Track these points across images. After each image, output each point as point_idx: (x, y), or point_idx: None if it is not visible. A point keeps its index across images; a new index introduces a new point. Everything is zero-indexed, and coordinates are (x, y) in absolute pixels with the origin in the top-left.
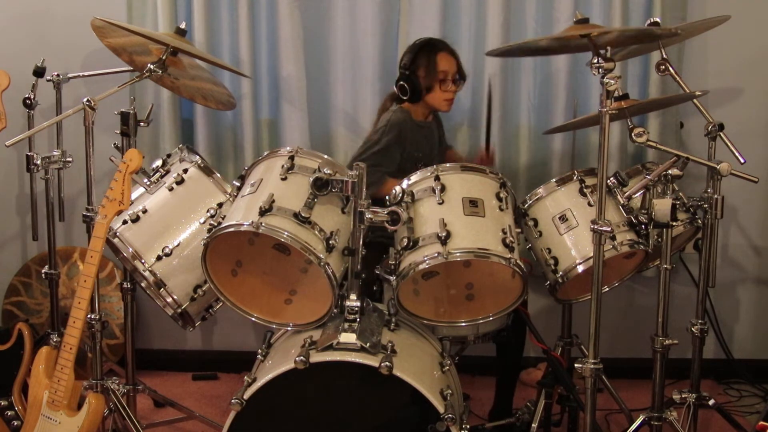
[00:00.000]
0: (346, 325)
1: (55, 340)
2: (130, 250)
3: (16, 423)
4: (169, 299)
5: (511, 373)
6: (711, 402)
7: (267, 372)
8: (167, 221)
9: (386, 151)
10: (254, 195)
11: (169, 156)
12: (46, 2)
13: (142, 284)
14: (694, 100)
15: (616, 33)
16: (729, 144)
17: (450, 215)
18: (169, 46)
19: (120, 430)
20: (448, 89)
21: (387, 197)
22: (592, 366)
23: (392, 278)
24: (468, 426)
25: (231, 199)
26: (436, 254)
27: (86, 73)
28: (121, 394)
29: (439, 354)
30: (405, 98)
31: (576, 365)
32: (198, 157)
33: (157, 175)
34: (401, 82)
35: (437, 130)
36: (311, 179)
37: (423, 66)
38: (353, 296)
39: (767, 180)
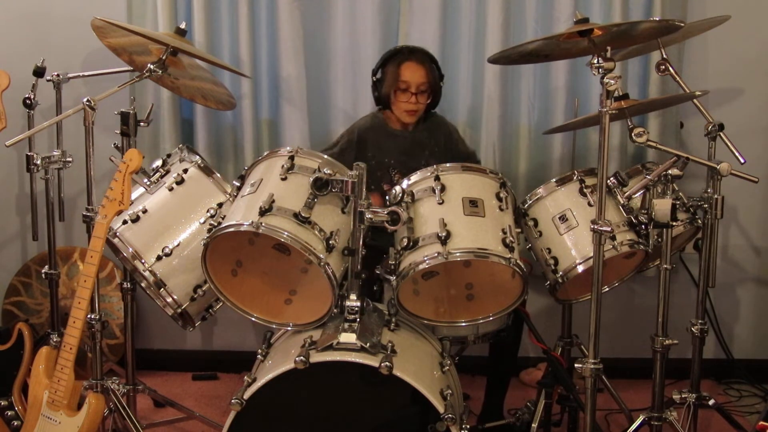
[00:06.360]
0: (346, 325)
1: (55, 340)
2: (130, 250)
3: (16, 423)
4: (169, 299)
5: (504, 375)
6: (711, 402)
7: (267, 372)
8: (167, 221)
9: (341, 155)
10: (254, 195)
11: (169, 156)
12: (46, 2)
13: (142, 284)
14: (694, 100)
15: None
16: (729, 144)
17: (450, 215)
18: (169, 46)
19: (120, 430)
20: (408, 100)
21: (387, 197)
22: (592, 366)
23: (392, 278)
24: (468, 426)
25: (231, 199)
26: (436, 254)
27: (86, 73)
28: (121, 394)
29: (439, 354)
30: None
31: (576, 365)
32: (198, 157)
33: (157, 175)
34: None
35: (433, 141)
36: (311, 179)
37: (387, 73)
38: (353, 296)
39: (767, 180)
